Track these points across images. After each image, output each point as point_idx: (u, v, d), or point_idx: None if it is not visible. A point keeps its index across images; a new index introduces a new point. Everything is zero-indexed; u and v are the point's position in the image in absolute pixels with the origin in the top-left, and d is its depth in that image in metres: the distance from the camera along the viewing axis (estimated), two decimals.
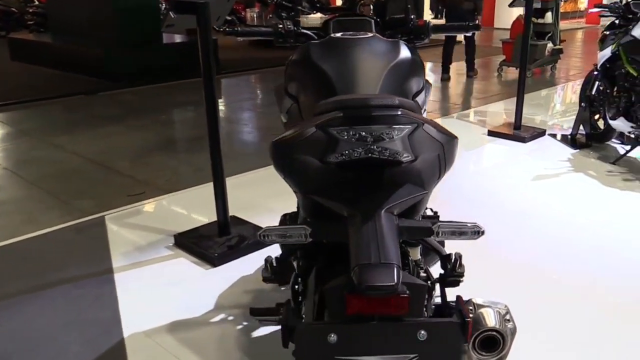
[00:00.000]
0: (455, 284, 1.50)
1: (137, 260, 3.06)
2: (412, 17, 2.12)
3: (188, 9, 2.95)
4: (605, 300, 2.61)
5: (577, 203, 3.77)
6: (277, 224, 3.24)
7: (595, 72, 4.71)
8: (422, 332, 1.05)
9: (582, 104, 4.88)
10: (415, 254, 1.61)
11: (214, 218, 3.29)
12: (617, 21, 4.54)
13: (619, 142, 4.87)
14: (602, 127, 4.87)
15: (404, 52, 1.79)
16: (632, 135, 4.26)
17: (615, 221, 3.47)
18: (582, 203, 3.77)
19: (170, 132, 6.00)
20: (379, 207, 1.19)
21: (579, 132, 5.00)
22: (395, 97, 1.22)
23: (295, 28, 2.10)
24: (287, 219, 2.22)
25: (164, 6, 10.50)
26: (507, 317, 1.30)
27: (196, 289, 2.79)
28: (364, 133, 1.21)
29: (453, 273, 1.48)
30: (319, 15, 9.21)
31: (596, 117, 4.90)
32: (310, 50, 1.78)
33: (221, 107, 6.98)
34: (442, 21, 9.58)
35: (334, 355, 1.04)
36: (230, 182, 3.32)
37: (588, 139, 4.93)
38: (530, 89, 7.19)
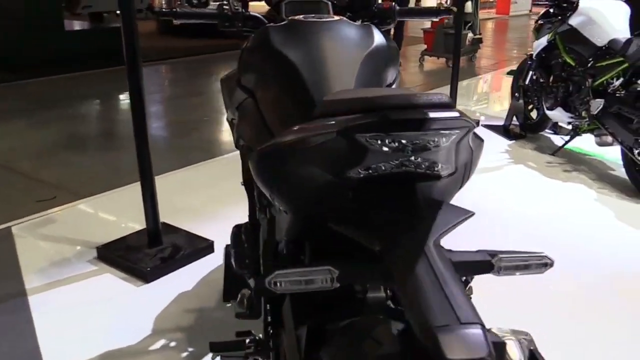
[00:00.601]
0: None
1: (55, 279, 2.62)
2: None
3: None
4: (556, 289, 2.56)
5: (521, 195, 3.68)
6: (220, 232, 2.94)
7: (529, 62, 4.66)
8: None
9: (516, 94, 4.83)
10: None
11: (141, 225, 2.91)
12: (551, 10, 4.50)
13: (552, 132, 4.87)
14: (535, 117, 4.85)
15: (378, 38, 1.57)
16: (571, 126, 4.23)
17: (562, 214, 3.41)
18: (526, 195, 3.69)
19: (79, 128, 5.41)
20: (426, 238, 0.90)
21: (512, 122, 4.95)
22: (443, 94, 0.94)
23: (243, 10, 1.82)
24: (242, 232, 1.90)
25: None
26: (532, 344, 1.08)
27: (128, 310, 2.41)
28: (404, 141, 0.91)
29: None
30: None
31: (530, 107, 4.86)
32: (271, 36, 1.51)
33: (128, 100, 6.43)
34: None
35: None
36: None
37: (522, 129, 4.89)
38: None
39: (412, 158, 0.92)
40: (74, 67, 7.72)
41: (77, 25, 8.63)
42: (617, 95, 3.83)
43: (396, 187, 0.97)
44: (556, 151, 4.40)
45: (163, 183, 3.71)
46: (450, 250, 0.95)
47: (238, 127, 1.69)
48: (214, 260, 2.82)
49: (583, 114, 4.05)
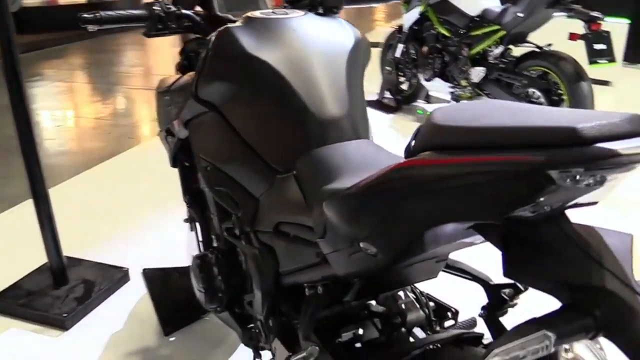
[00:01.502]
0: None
1: None
2: None
3: None
4: None
5: None
6: (132, 256, 2.50)
7: (398, 35, 4.67)
8: None
9: (387, 68, 4.83)
10: None
11: (38, 259, 2.38)
12: None
13: (425, 102, 4.97)
14: (407, 89, 4.90)
15: (355, 34, 1.47)
16: (450, 96, 4.32)
17: None
18: None
19: None
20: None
21: (386, 96, 4.96)
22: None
23: (176, 8, 1.58)
24: (209, 263, 1.64)
25: None
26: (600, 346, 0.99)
27: None
28: (606, 176, 0.68)
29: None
30: None
31: (402, 79, 4.90)
32: (241, 41, 1.34)
33: None
34: None
35: None
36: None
37: (396, 102, 4.92)
38: None
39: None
40: None
41: None
42: (496, 62, 3.96)
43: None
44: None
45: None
46: None
47: (193, 143, 1.52)
48: (133, 290, 2.39)
49: (463, 82, 4.15)
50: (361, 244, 0.93)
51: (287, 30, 1.39)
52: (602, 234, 0.74)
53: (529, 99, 3.76)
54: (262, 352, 1.55)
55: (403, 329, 1.17)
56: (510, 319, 1.08)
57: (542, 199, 0.70)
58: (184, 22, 1.60)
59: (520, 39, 3.96)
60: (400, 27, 4.68)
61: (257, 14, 1.43)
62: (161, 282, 2.33)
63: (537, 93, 3.72)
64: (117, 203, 3.17)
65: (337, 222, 0.97)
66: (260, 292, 1.34)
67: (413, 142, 0.85)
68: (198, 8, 1.69)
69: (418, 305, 1.19)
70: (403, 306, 1.17)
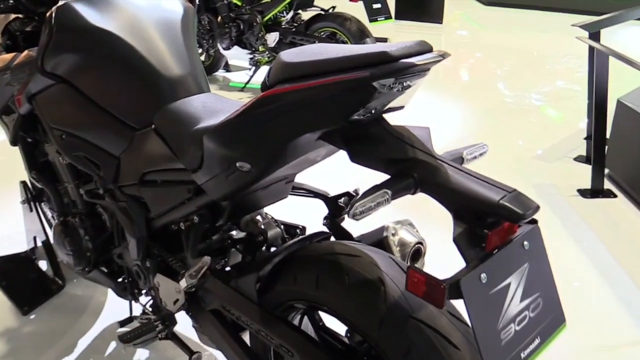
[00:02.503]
0: None
1: None
2: None
3: None
4: None
5: None
6: None
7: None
8: (525, 242, 0.99)
9: None
10: None
11: None
12: None
13: (225, 70, 5.11)
14: (205, 59, 4.99)
15: (181, 2, 1.62)
16: (249, 63, 4.52)
17: None
18: None
19: None
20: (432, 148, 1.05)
21: None
22: (425, 41, 1.00)
23: None
24: (72, 227, 1.72)
25: None
26: (415, 229, 1.35)
27: None
28: (408, 83, 0.99)
29: None
30: None
31: (200, 51, 4.98)
32: (81, 13, 1.45)
33: None
34: None
35: (490, 289, 0.91)
36: None
37: None
38: None
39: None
40: None
41: None
42: (288, 27, 4.24)
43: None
44: (245, 85, 4.65)
45: None
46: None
47: (44, 116, 1.58)
48: None
49: (260, 48, 4.37)
50: (237, 164, 1.12)
51: (122, 4, 1.52)
52: (409, 128, 1.05)
53: None
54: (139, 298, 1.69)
55: (264, 247, 1.38)
56: None
57: (369, 104, 0.97)
58: (9, 2, 1.65)
59: (308, 3, 4.28)
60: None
61: None
62: (4, 268, 2.25)
63: None
64: None
65: (216, 149, 1.15)
66: (135, 239, 1.47)
67: (267, 78, 1.05)
68: None
69: (275, 224, 1.40)
70: (262, 226, 1.37)
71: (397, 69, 0.92)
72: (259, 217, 1.40)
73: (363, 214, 0.90)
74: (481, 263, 0.89)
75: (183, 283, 1.31)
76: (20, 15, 1.81)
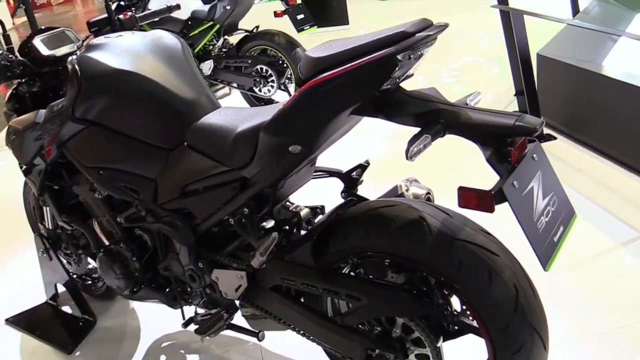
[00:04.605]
0: None
1: None
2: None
3: None
4: None
5: None
6: None
7: None
8: (534, 155, 1.21)
9: None
10: None
11: None
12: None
13: None
14: None
15: (175, 37, 1.81)
16: None
17: None
18: None
19: None
20: None
21: None
22: (427, 18, 1.22)
23: (14, 56, 1.91)
24: (115, 252, 1.88)
25: None
26: (419, 182, 1.60)
27: None
28: (422, 52, 1.21)
29: None
30: None
31: None
32: (100, 60, 1.62)
33: None
34: None
35: (521, 192, 1.14)
36: None
37: None
38: None
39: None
40: None
41: None
42: (220, 53, 4.42)
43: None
44: None
45: None
46: None
47: (78, 158, 1.72)
48: None
49: None
50: (290, 148, 1.31)
51: (129, 45, 1.69)
52: (422, 90, 1.28)
53: (260, 75, 4.29)
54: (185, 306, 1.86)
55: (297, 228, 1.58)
56: None
57: (395, 74, 1.18)
58: (18, 69, 1.82)
59: (233, 28, 4.48)
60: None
61: (96, 40, 1.68)
62: (32, 320, 2.33)
63: (265, 67, 4.27)
64: None
65: (272, 139, 1.34)
66: (185, 247, 1.64)
67: (301, 73, 1.26)
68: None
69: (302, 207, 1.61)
70: (295, 209, 1.58)
71: (416, 41, 1.15)
72: (288, 204, 1.61)
73: (417, 154, 1.13)
74: (510, 174, 1.13)
75: (255, 262, 1.46)
76: (22, 80, 1.94)
